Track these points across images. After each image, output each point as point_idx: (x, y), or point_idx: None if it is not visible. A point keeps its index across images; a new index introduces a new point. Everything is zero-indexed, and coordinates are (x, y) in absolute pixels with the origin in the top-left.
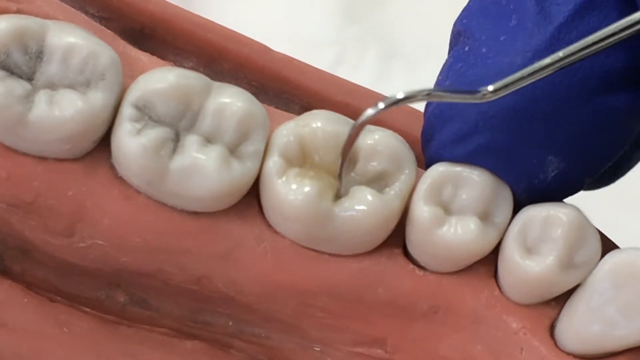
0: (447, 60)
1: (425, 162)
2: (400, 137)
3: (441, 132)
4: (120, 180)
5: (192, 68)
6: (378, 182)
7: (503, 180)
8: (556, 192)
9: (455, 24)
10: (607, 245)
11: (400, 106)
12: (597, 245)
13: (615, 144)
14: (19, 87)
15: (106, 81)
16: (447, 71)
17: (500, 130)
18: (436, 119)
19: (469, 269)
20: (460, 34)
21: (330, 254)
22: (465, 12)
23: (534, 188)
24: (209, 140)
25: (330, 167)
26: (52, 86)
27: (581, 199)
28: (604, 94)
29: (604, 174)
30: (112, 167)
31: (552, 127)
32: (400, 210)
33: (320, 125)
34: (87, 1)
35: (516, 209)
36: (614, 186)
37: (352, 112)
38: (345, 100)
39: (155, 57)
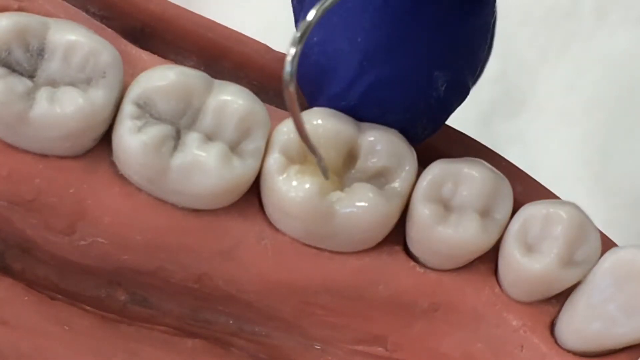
0: None
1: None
2: (400, 134)
3: (329, 84)
4: (121, 177)
5: (193, 67)
6: (378, 179)
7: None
8: (450, 102)
9: None
10: (607, 244)
11: None
12: (597, 243)
13: (485, 40)
14: (20, 84)
15: (107, 79)
16: None
17: (385, 63)
18: (319, 73)
19: (470, 266)
20: None
21: (330, 252)
22: None
23: (431, 106)
24: (209, 137)
25: (331, 164)
26: (53, 84)
27: (581, 198)
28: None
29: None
30: (112, 165)
31: (431, 44)
32: (401, 207)
33: (320, 123)
34: (88, 0)
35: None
36: (613, 186)
37: None
38: None
39: (156, 56)
